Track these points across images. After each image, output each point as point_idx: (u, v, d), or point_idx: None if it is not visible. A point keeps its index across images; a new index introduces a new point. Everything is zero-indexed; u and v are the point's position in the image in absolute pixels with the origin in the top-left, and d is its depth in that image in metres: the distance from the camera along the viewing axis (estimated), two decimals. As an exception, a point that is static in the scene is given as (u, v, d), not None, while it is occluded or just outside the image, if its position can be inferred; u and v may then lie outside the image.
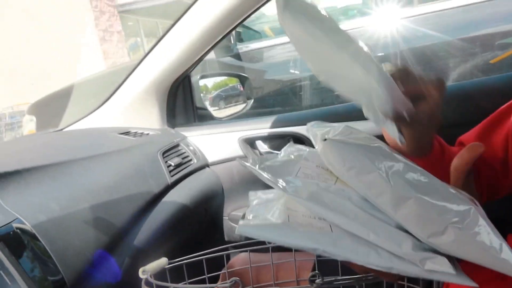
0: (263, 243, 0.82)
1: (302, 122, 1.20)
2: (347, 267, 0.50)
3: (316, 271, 0.74)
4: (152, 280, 0.67)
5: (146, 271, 0.69)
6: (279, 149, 1.25)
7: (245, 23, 2.79)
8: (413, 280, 0.72)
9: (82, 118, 1.33)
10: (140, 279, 0.68)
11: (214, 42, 1.17)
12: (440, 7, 2.30)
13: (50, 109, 2.08)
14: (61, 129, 1.33)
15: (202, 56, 1.21)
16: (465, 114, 1.07)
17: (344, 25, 2.62)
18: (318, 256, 0.91)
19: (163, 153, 1.11)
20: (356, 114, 1.13)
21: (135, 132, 1.21)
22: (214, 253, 0.79)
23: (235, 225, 1.28)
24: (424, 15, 2.30)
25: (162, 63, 1.22)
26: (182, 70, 1.24)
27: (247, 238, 1.02)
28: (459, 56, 2.21)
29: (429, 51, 2.27)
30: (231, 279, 0.72)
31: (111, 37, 10.50)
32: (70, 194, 0.77)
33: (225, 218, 1.29)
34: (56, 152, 0.95)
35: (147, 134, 1.21)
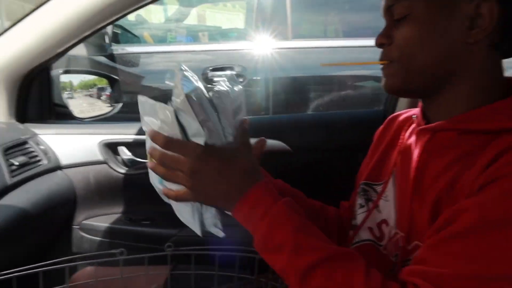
0: (113, 255, 0.77)
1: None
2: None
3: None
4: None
5: (-41, 286, 0.57)
6: (143, 157, 1.21)
7: (124, 25, 2.67)
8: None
9: None
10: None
11: (82, 36, 1.08)
12: (309, 44, 2.55)
13: None
14: None
15: (66, 49, 1.11)
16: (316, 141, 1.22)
17: (225, 45, 2.72)
18: (172, 270, 0.89)
19: (5, 150, 0.97)
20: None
21: (-29, 123, 1.03)
22: (55, 265, 0.70)
23: (86, 235, 1.17)
24: (296, 49, 2.53)
25: (17, 49, 1.08)
26: (41, 61, 1.12)
27: (97, 250, 0.94)
28: (319, 90, 2.48)
29: (297, 82, 2.49)
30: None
31: (-40, 12, 8.93)
32: None
33: (75, 227, 1.18)
34: None
35: (-13, 126, 1.04)
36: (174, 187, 0.57)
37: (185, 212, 0.59)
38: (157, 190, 0.61)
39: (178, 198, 0.56)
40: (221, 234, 0.60)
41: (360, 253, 0.52)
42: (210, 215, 0.60)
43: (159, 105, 0.54)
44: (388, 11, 0.58)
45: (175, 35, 3.28)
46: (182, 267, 0.87)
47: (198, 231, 0.59)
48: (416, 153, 0.58)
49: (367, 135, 0.83)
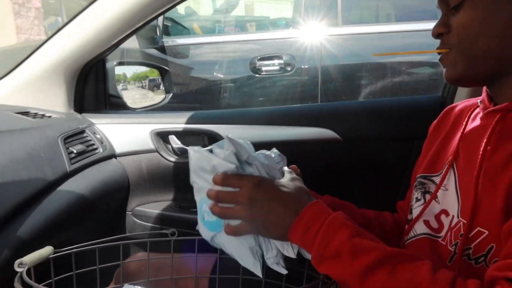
0: (165, 235, 0.78)
1: (218, 120, 1.19)
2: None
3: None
4: (26, 278, 0.57)
5: (24, 263, 0.60)
6: (192, 145, 1.23)
7: (174, 17, 2.73)
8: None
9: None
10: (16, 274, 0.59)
11: (134, 28, 1.11)
12: (359, 30, 2.46)
13: None
14: None
15: (119, 40, 1.14)
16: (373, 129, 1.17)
17: (273, 34, 2.70)
18: (221, 254, 0.90)
19: (65, 139, 1.02)
20: (272, 118, 1.20)
21: (35, 114, 1.10)
22: (110, 242, 0.73)
23: (139, 221, 1.22)
24: (346, 36, 2.45)
25: (74, 42, 1.13)
26: (97, 53, 1.16)
27: (149, 235, 0.95)
28: (370, 77, 2.39)
29: (347, 69, 2.42)
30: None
31: (27, 13, 9.58)
32: None
33: (128, 213, 1.23)
34: None
35: (49, 116, 1.10)
36: (232, 224, 0.59)
37: (246, 256, 0.61)
38: (211, 242, 0.64)
39: (237, 232, 0.59)
40: (284, 271, 0.61)
41: (414, 248, 0.50)
42: (272, 255, 0.61)
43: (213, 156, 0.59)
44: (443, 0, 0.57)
45: (224, 26, 3.31)
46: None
47: (259, 273, 0.61)
48: (483, 136, 0.55)
49: (423, 123, 0.79)
